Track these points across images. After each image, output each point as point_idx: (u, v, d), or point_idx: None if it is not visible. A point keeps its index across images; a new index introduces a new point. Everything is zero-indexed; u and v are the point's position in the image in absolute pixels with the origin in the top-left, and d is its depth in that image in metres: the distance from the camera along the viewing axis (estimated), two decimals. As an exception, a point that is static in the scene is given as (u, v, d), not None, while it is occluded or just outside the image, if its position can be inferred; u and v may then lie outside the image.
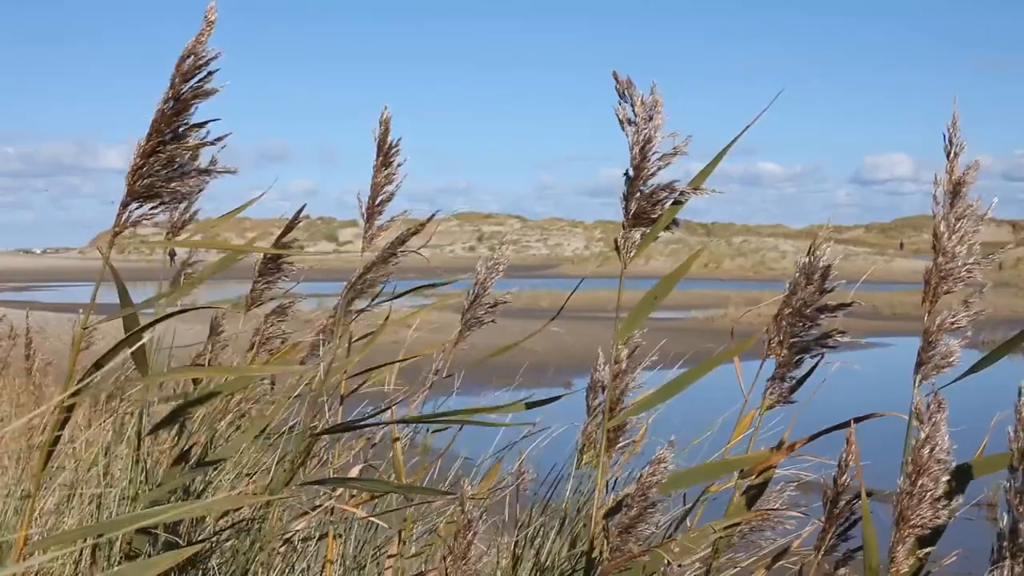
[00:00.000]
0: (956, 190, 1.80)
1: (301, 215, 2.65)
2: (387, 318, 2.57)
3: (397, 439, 2.65)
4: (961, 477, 1.76)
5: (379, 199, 2.41)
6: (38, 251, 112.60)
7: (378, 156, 2.38)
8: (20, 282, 54.28)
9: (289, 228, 2.60)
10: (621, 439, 2.10)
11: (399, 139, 2.38)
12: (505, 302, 2.73)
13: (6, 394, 5.89)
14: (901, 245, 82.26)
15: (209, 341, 2.86)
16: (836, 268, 2.03)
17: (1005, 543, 1.38)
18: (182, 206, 2.57)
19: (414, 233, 2.32)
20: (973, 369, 1.84)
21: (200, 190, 2.49)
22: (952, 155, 1.80)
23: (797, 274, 2.05)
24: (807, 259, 2.04)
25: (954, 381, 1.81)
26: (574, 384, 16.43)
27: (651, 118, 1.90)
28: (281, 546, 2.38)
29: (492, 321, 2.72)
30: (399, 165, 2.39)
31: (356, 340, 2.67)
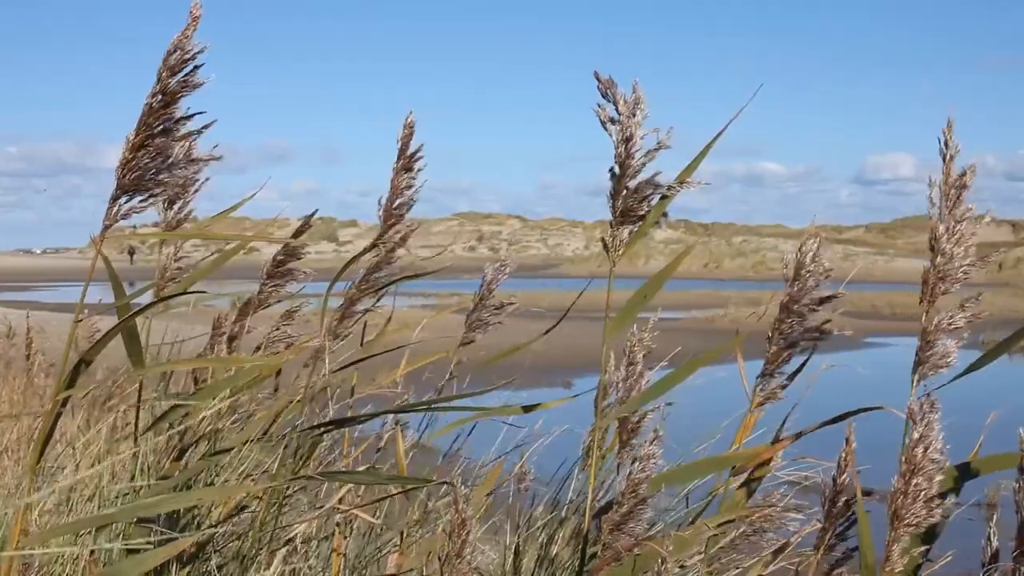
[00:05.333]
0: (953, 192, 1.80)
1: (305, 218, 2.63)
2: (388, 320, 2.57)
3: (398, 424, 2.63)
4: (964, 475, 1.76)
5: (397, 202, 2.35)
6: (38, 251, 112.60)
7: (399, 159, 2.32)
8: (20, 282, 54.24)
9: (300, 231, 2.58)
10: (634, 439, 2.09)
11: (422, 144, 2.32)
12: (512, 303, 2.72)
13: (6, 394, 5.88)
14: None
15: (212, 339, 2.84)
16: (831, 265, 2.02)
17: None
18: (177, 204, 2.53)
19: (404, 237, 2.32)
20: (971, 368, 1.84)
21: (196, 187, 2.48)
22: (948, 158, 1.80)
23: (785, 269, 2.05)
24: (795, 255, 2.04)
25: (952, 380, 1.81)
26: (573, 384, 16.37)
27: (634, 114, 1.89)
28: (282, 546, 2.37)
29: (499, 323, 2.71)
30: (419, 171, 2.34)
31: (365, 343, 2.67)
